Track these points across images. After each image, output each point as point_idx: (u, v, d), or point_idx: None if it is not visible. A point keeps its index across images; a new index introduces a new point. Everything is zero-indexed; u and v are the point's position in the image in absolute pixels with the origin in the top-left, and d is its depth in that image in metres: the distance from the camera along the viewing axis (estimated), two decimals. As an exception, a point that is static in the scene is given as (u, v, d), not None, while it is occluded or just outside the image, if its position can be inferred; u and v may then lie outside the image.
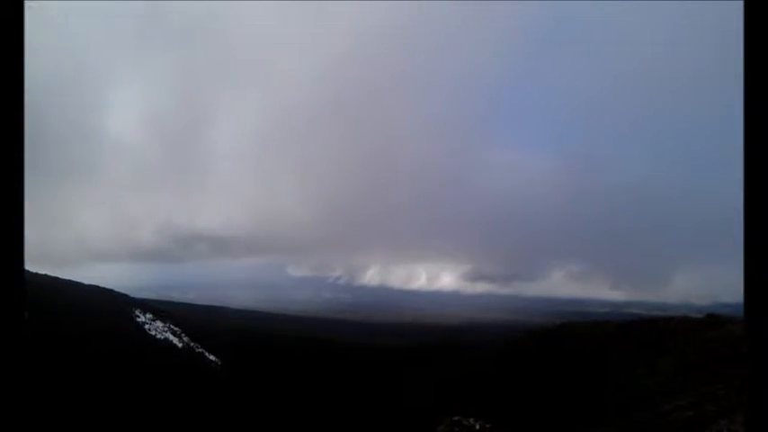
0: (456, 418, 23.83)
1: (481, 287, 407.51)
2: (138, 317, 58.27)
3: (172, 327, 58.81)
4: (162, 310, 65.89)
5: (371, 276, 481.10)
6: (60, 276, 64.65)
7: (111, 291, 65.57)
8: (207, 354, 53.87)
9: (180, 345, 54.58)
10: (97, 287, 65.62)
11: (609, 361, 33.04)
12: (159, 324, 58.51)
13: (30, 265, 65.79)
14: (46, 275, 61.97)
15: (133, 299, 65.85)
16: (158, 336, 55.07)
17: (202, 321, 75.56)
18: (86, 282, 66.50)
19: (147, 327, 56.49)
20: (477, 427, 23.33)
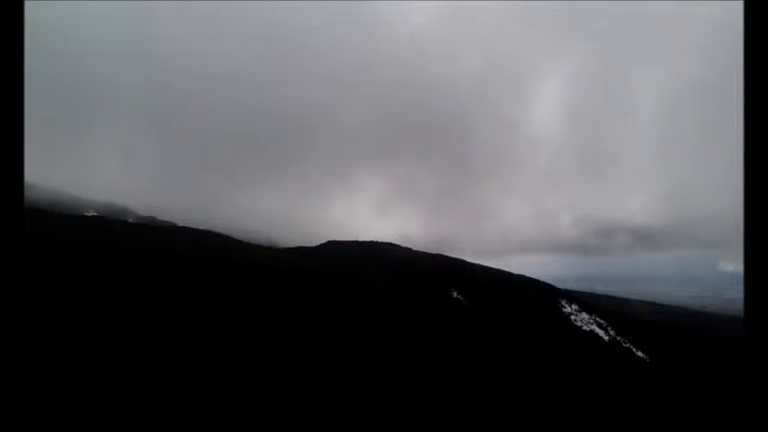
0: None
1: None
2: (564, 308, 66.38)
3: (597, 319, 65.00)
4: (587, 301, 72.64)
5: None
6: (491, 266, 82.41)
7: (537, 281, 75.45)
8: (634, 349, 57.96)
9: (606, 338, 60.60)
10: (523, 277, 76.84)
11: None
12: (585, 316, 66.12)
13: (463, 256, 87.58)
14: (480, 265, 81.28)
15: (558, 289, 73.64)
16: (584, 327, 62.48)
17: (629, 315, 79.85)
18: (514, 272, 79.64)
19: (572, 318, 64.79)
20: None
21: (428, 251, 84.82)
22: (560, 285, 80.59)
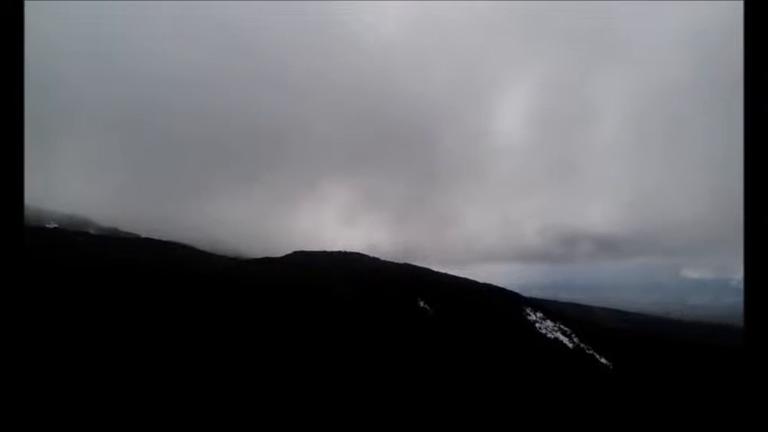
0: None
1: None
2: (529, 315, 67.36)
3: (562, 327, 66.00)
4: (551, 309, 73.97)
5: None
6: (457, 275, 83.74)
7: (502, 289, 76.20)
8: (598, 356, 59.09)
9: (570, 345, 61.84)
10: (489, 285, 77.72)
11: None
12: (549, 323, 67.11)
13: (429, 265, 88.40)
14: (446, 274, 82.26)
15: (524, 298, 74.96)
16: (548, 335, 63.76)
17: (592, 323, 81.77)
18: (480, 281, 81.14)
19: (537, 325, 66.09)
20: None
21: (395, 261, 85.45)
22: (525, 293, 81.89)
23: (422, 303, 59.33)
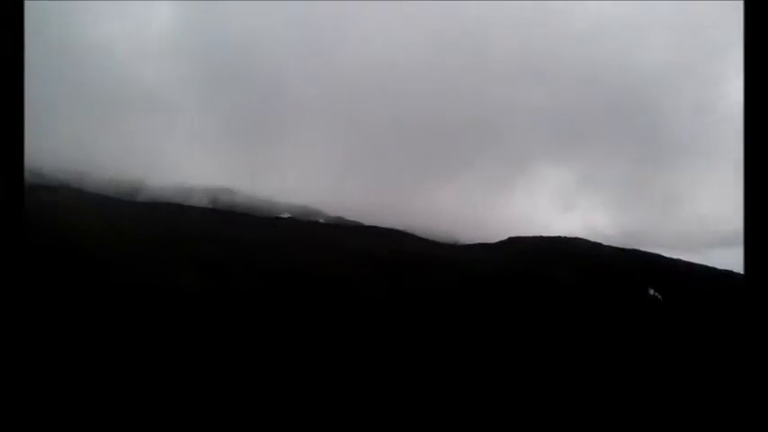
0: None
1: None
2: None
3: None
4: None
5: None
6: (691, 261, 76.15)
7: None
8: None
9: None
10: (730, 272, 70.20)
11: None
12: None
13: (658, 250, 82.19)
14: (678, 260, 75.21)
15: None
16: None
17: None
18: (718, 267, 73.46)
19: None
20: None
21: (619, 246, 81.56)
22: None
23: (652, 292, 57.38)
